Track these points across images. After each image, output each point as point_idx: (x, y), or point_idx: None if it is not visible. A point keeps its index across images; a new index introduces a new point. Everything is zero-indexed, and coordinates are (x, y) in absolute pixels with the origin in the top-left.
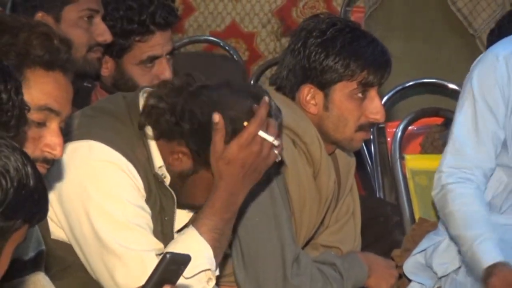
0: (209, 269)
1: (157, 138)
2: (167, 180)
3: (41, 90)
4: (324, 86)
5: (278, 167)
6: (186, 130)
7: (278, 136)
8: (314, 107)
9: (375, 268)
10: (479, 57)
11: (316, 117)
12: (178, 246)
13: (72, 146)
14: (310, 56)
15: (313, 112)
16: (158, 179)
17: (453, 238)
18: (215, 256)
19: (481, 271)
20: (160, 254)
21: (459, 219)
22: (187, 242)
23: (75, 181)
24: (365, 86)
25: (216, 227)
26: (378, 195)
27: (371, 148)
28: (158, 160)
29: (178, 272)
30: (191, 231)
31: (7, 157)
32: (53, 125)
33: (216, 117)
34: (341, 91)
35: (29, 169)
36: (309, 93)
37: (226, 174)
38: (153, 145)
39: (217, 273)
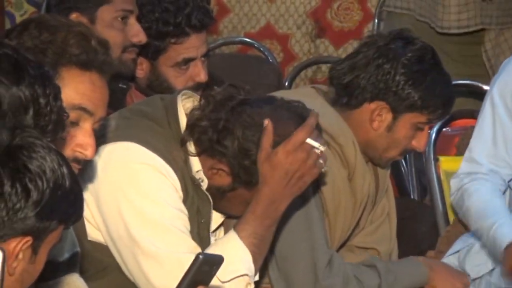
0: (246, 275)
1: (199, 154)
2: (205, 184)
3: (75, 89)
4: (398, 111)
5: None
6: (227, 149)
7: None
8: (378, 123)
9: (440, 272)
10: (502, 64)
11: (374, 133)
12: (217, 249)
13: (110, 147)
14: (400, 83)
15: (375, 128)
16: (195, 182)
17: (475, 234)
18: (254, 262)
19: (500, 254)
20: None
21: (475, 212)
22: (226, 246)
23: (112, 182)
24: (429, 122)
25: (256, 232)
26: (412, 197)
27: None
28: (196, 164)
29: (211, 273)
30: (231, 235)
31: (43, 158)
32: (86, 125)
33: (266, 122)
34: (409, 120)
35: (65, 170)
36: (381, 111)
37: (270, 179)
38: (191, 149)
39: (257, 278)
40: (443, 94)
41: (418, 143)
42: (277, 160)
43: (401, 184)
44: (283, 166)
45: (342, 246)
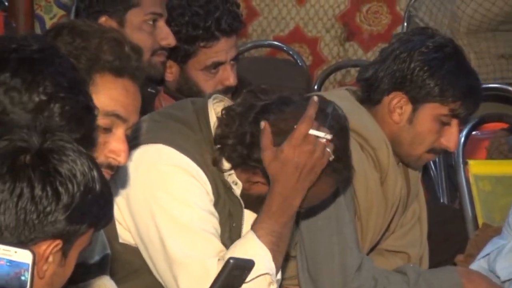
0: (267, 273)
1: (233, 168)
2: (238, 187)
3: (109, 95)
4: (417, 101)
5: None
6: (259, 162)
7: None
8: (398, 116)
9: (475, 282)
10: None
11: (396, 126)
12: (237, 250)
13: (140, 150)
14: (415, 70)
15: (395, 120)
16: (226, 185)
17: None
18: (274, 260)
19: None
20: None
21: None
22: (245, 246)
23: (143, 185)
24: (452, 115)
25: (273, 230)
26: (441, 200)
27: None
28: (227, 167)
29: (242, 277)
30: (249, 235)
31: (73, 161)
32: (119, 132)
33: (262, 124)
34: (430, 111)
35: (95, 173)
36: (399, 101)
37: (280, 177)
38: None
39: (279, 277)
40: (463, 84)
41: (448, 141)
42: (284, 156)
43: (431, 188)
44: (292, 162)
45: (372, 249)
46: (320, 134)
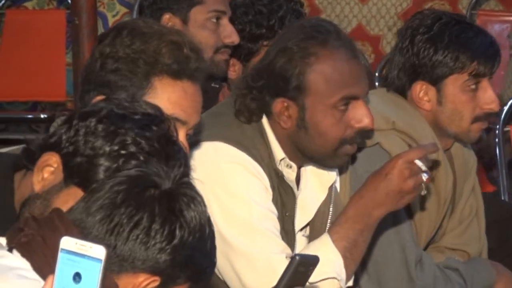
0: (335, 278)
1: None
2: (294, 170)
3: (168, 99)
4: (436, 81)
5: None
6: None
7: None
8: (427, 103)
9: (504, 274)
10: None
11: (431, 113)
12: (309, 252)
13: (200, 148)
14: (419, 53)
15: (427, 109)
16: (279, 174)
17: None
18: (346, 267)
19: None
20: (288, 257)
21: None
22: (318, 248)
23: (203, 184)
24: (476, 77)
25: (348, 236)
26: (502, 198)
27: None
28: (279, 153)
29: (307, 274)
30: (324, 238)
31: (199, 212)
32: (180, 134)
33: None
34: (453, 84)
35: (211, 231)
36: (421, 90)
37: (370, 184)
38: (272, 138)
39: (351, 283)
40: (470, 45)
41: (487, 103)
42: (389, 169)
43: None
44: (392, 181)
45: (426, 247)
46: (424, 168)
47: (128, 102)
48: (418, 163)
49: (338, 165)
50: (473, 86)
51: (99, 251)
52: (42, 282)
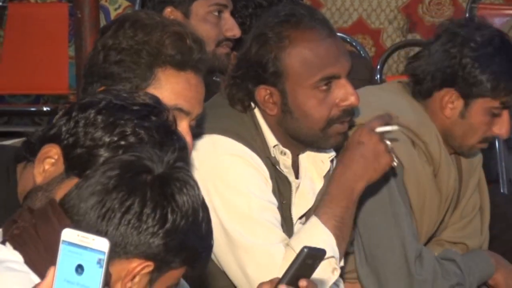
0: (332, 257)
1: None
2: (288, 156)
3: (171, 90)
4: (468, 96)
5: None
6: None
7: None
8: (450, 110)
9: (503, 265)
10: None
11: (448, 120)
12: (301, 235)
13: (201, 140)
14: (466, 66)
15: (447, 115)
16: (273, 162)
17: None
18: (338, 246)
19: None
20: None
21: None
22: (310, 231)
23: (202, 176)
24: (504, 107)
25: (335, 214)
26: (502, 191)
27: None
28: (271, 140)
29: (314, 266)
30: (313, 221)
31: (191, 197)
32: (183, 124)
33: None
34: (482, 105)
35: (205, 215)
36: (450, 97)
37: (347, 159)
38: (264, 126)
39: (342, 264)
40: None
41: (500, 130)
42: (362, 141)
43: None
44: (366, 146)
45: (428, 241)
46: (387, 129)
47: (126, 93)
48: (380, 130)
49: (332, 145)
50: (496, 112)
51: (102, 244)
52: (31, 274)
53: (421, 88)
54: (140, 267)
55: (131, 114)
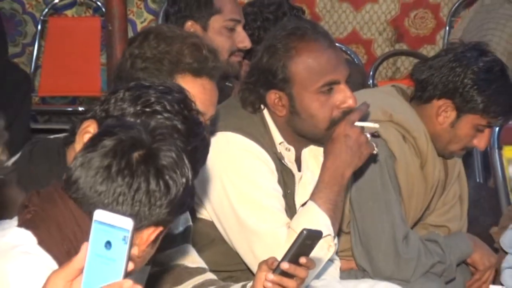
0: (329, 235)
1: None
2: (292, 152)
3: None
4: (462, 110)
5: (389, 158)
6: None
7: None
8: (443, 118)
9: (480, 246)
10: None
11: (439, 127)
12: (301, 218)
13: (215, 137)
14: (466, 86)
15: (440, 122)
16: (279, 157)
17: None
18: (332, 225)
19: None
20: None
21: None
22: (308, 214)
23: (217, 167)
24: (488, 126)
25: (329, 198)
26: (478, 180)
27: None
28: (277, 138)
29: (312, 246)
30: (310, 205)
31: (179, 159)
32: None
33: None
34: (471, 121)
35: (191, 172)
36: (447, 107)
37: (337, 149)
38: (272, 126)
39: (336, 241)
40: (505, 104)
41: (479, 143)
42: (336, 135)
43: (471, 169)
44: (350, 137)
45: (415, 224)
46: (367, 124)
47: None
48: (360, 124)
49: None
50: (481, 129)
51: (127, 223)
52: (45, 255)
53: (422, 94)
54: (154, 234)
55: (155, 90)
